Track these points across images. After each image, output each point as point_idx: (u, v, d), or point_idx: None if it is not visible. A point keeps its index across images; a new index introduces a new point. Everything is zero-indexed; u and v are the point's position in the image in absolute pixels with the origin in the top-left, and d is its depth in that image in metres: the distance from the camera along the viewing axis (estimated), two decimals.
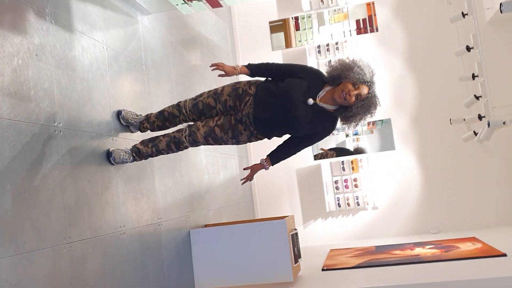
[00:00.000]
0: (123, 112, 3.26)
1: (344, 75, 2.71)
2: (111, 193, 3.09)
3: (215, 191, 5.14)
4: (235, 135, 2.93)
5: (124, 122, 3.27)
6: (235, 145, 3.18)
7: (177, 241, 4.05)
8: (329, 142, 6.67)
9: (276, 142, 3.11)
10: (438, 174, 6.27)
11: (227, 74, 2.95)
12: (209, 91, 3.05)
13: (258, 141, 3.03)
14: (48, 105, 2.56)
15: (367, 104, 2.73)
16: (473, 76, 5.01)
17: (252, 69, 2.95)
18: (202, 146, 4.51)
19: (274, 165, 3.09)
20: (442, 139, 6.24)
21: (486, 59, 4.87)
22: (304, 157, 6.45)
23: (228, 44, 6.59)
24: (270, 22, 6.91)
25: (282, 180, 6.70)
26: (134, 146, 3.15)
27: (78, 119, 2.81)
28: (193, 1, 3.72)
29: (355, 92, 2.68)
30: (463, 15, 5.06)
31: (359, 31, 6.61)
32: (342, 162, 6.49)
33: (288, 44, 6.86)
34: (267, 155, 3.07)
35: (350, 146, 6.63)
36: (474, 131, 5.18)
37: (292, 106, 2.76)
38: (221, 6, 3.88)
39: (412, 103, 6.44)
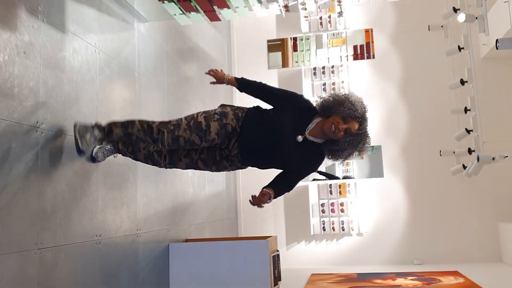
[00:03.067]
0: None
1: (335, 108, 2.61)
2: (90, 199, 3.00)
3: (199, 205, 5.05)
4: (219, 169, 2.82)
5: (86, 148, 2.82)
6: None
7: (155, 254, 3.95)
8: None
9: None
10: (425, 205, 6.24)
11: (217, 81, 2.83)
12: (188, 120, 2.68)
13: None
14: (32, 104, 2.48)
15: (356, 140, 2.61)
16: (465, 110, 5.02)
17: (241, 84, 2.79)
18: None
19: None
20: (431, 170, 6.23)
21: (479, 94, 4.88)
22: None
23: (225, 59, 6.57)
24: (268, 41, 6.93)
25: None
26: (117, 144, 2.95)
27: (62, 121, 2.74)
28: (191, 12, 3.69)
29: (345, 126, 2.56)
30: (459, 48, 5.08)
31: (355, 56, 6.65)
32: (330, 185, 6.44)
33: (284, 64, 6.88)
34: (272, 189, 2.67)
35: (340, 171, 6.60)
36: (463, 165, 5.16)
37: (281, 142, 2.64)
38: (219, 20, 3.86)
39: (403, 131, 6.44)
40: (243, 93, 2.85)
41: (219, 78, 2.81)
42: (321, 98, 2.75)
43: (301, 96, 2.80)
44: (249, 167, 2.90)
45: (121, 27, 3.60)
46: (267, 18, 6.89)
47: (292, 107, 2.71)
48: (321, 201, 6.46)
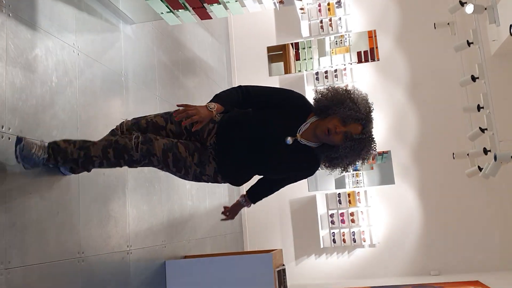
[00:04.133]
0: (22, 142, 2.16)
1: (333, 109, 2.17)
2: (70, 212, 2.72)
3: (199, 219, 4.75)
4: (202, 161, 2.26)
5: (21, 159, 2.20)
6: (194, 181, 2.36)
7: (150, 273, 3.64)
8: (327, 177, 6.32)
9: None
10: (440, 212, 5.88)
11: (203, 122, 2.06)
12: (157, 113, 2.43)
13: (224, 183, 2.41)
14: None
15: (358, 146, 2.16)
16: (478, 108, 4.71)
17: (224, 102, 2.17)
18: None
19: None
20: (445, 174, 5.88)
21: (491, 91, 4.58)
22: (299, 187, 6.08)
23: (224, 67, 6.33)
24: (268, 48, 6.69)
25: (274, 211, 6.31)
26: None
27: (33, 127, 2.48)
28: (180, 10, 3.45)
29: (343, 129, 2.13)
30: (468, 43, 4.80)
31: (359, 60, 6.39)
32: (339, 194, 6.12)
33: (287, 71, 6.64)
34: (246, 192, 2.60)
35: (349, 182, 6.28)
36: (478, 166, 4.84)
37: (265, 144, 2.21)
38: (210, 17, 3.62)
39: (413, 135, 6.12)
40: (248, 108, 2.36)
41: (204, 115, 2.06)
42: (318, 93, 2.29)
43: (292, 92, 2.35)
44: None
45: (103, 28, 3.36)
46: (266, 23, 6.68)
47: (283, 105, 2.28)
48: (330, 212, 6.13)
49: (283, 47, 6.69)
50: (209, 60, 5.70)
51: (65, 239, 2.64)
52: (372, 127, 2.24)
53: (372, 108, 2.24)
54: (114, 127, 2.47)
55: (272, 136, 2.22)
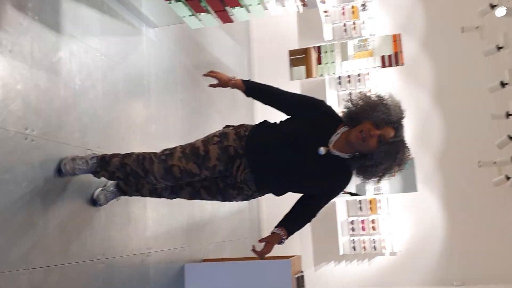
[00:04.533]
0: (65, 167, 2.45)
1: (364, 116, 2.13)
2: (91, 214, 2.73)
3: (218, 223, 4.74)
4: (226, 198, 2.43)
5: (70, 174, 2.50)
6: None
7: (168, 276, 3.64)
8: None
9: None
10: (464, 220, 5.73)
11: (219, 83, 2.38)
12: (184, 147, 2.33)
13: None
14: (20, 109, 2.25)
15: (393, 149, 2.11)
16: (507, 115, 4.60)
17: (250, 87, 2.35)
18: None
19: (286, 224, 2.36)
20: (470, 182, 5.73)
21: None
22: None
23: (245, 70, 6.32)
24: (290, 52, 6.64)
25: None
26: (118, 185, 2.77)
27: (57, 129, 2.50)
28: (202, 14, 3.45)
29: (378, 132, 2.08)
30: (498, 48, 4.69)
31: (383, 64, 6.29)
32: (360, 201, 6.03)
33: (308, 75, 6.57)
34: (281, 224, 2.34)
35: (370, 189, 6.17)
36: (506, 175, 4.72)
37: (297, 158, 2.19)
38: (231, 21, 3.60)
39: (437, 141, 5.99)
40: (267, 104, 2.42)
41: (221, 80, 2.37)
42: (348, 102, 2.25)
43: (321, 102, 2.33)
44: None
45: (127, 31, 3.38)
46: (288, 27, 6.64)
47: (310, 115, 2.27)
48: (350, 219, 6.04)
49: (305, 51, 6.62)
50: (230, 63, 5.69)
51: (86, 240, 2.65)
52: (404, 132, 2.19)
53: (404, 115, 2.18)
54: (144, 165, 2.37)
55: (303, 149, 2.19)
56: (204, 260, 4.23)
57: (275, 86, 2.41)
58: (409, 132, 5.76)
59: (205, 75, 2.43)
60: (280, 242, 2.28)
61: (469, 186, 5.75)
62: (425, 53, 6.20)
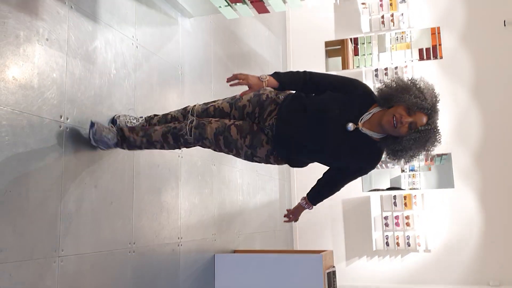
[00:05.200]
0: (118, 120, 2.65)
1: (398, 97, 2.12)
2: (123, 203, 2.75)
3: (249, 214, 4.73)
4: (254, 144, 2.34)
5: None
6: (246, 161, 2.47)
7: (199, 266, 3.66)
8: (382, 177, 6.13)
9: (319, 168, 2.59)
10: (502, 218, 5.53)
11: (251, 89, 2.25)
12: (225, 98, 2.56)
13: (277, 165, 2.49)
14: (55, 97, 2.28)
15: (423, 137, 2.11)
16: None
17: (282, 79, 2.27)
18: (236, 161, 4.14)
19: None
20: (509, 179, 5.53)
21: None
22: (352, 187, 5.91)
23: (280, 61, 6.26)
24: (326, 43, 6.53)
25: (326, 210, 6.18)
26: (121, 130, 2.50)
27: (90, 117, 2.52)
28: (238, 4, 3.41)
29: (409, 119, 2.08)
30: None
31: (421, 57, 6.11)
32: (394, 196, 5.90)
33: (344, 67, 6.46)
34: (306, 195, 2.62)
35: (405, 183, 6.04)
36: None
37: (326, 127, 2.21)
38: (267, 11, 3.55)
39: (476, 138, 5.78)
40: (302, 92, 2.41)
41: (254, 85, 2.23)
42: (381, 83, 2.25)
43: (357, 80, 2.33)
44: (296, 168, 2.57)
45: (162, 21, 3.38)
46: (324, 18, 6.51)
47: (345, 92, 2.27)
48: (385, 214, 5.92)
49: (342, 42, 6.50)
50: (264, 54, 5.64)
51: (117, 229, 2.68)
52: (438, 118, 2.17)
53: (438, 99, 2.17)
54: (187, 106, 2.71)
55: (333, 121, 2.21)
56: (235, 251, 4.24)
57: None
58: (446, 127, 5.66)
59: (229, 78, 2.28)
60: (307, 209, 2.66)
61: (507, 185, 5.54)
62: (464, 47, 5.97)
